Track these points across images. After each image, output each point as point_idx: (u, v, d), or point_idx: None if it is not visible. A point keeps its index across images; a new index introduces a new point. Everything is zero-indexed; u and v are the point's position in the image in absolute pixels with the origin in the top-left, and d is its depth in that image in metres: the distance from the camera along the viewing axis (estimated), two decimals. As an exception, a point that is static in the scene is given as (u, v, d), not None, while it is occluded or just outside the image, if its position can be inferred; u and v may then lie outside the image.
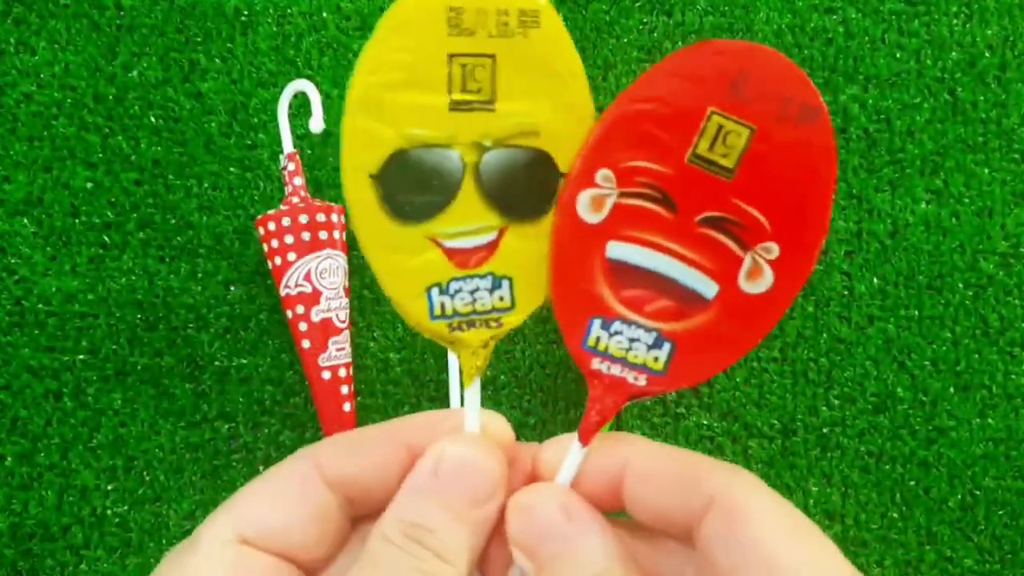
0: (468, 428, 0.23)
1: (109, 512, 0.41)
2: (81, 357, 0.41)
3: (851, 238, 0.43)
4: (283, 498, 0.22)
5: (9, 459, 0.41)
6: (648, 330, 0.21)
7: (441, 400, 0.42)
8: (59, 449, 0.41)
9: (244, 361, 0.42)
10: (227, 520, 0.21)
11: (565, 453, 0.22)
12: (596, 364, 0.22)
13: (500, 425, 0.24)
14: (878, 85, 0.44)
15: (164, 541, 0.41)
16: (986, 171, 0.44)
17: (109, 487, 0.41)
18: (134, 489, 0.41)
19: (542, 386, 0.43)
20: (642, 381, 0.22)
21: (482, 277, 0.22)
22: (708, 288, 0.21)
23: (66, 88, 0.42)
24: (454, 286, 0.22)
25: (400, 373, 0.42)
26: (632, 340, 0.21)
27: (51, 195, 0.42)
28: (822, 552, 0.20)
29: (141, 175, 0.42)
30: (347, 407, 0.40)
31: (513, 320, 0.22)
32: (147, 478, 0.41)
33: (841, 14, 0.44)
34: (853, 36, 0.44)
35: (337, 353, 0.39)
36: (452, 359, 0.41)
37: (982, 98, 0.44)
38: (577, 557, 0.21)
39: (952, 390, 0.43)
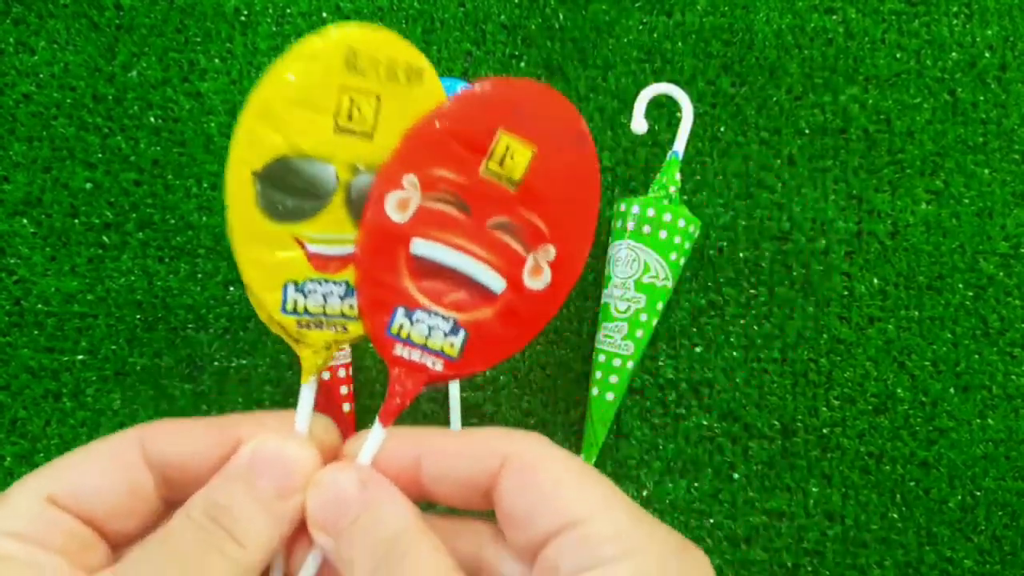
0: (297, 427, 0.24)
1: (108, 513, 0.41)
2: (80, 357, 0.41)
3: (851, 238, 0.43)
4: (97, 466, 0.23)
5: (8, 459, 0.41)
6: (446, 319, 0.24)
7: (440, 400, 0.42)
8: (58, 449, 0.41)
9: (243, 362, 0.42)
10: (40, 479, 0.22)
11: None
12: (398, 350, 0.24)
13: (326, 428, 0.25)
14: (878, 85, 0.44)
15: (163, 542, 0.41)
16: (986, 172, 0.44)
17: (108, 488, 0.41)
18: (133, 490, 0.41)
19: (542, 386, 0.43)
20: (439, 366, 0.24)
21: (337, 283, 0.24)
22: (497, 283, 0.24)
23: (65, 88, 0.42)
24: (309, 287, 0.24)
25: (400, 373, 0.42)
26: (431, 328, 0.24)
27: (50, 195, 0.42)
28: (607, 493, 0.22)
29: (140, 175, 0.42)
30: (347, 407, 0.39)
31: (357, 329, 0.24)
32: (146, 479, 0.41)
33: (841, 14, 0.44)
34: (853, 36, 0.44)
35: (337, 353, 0.39)
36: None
37: (982, 98, 0.44)
38: (373, 521, 0.22)
39: (952, 391, 0.43)
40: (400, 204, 0.24)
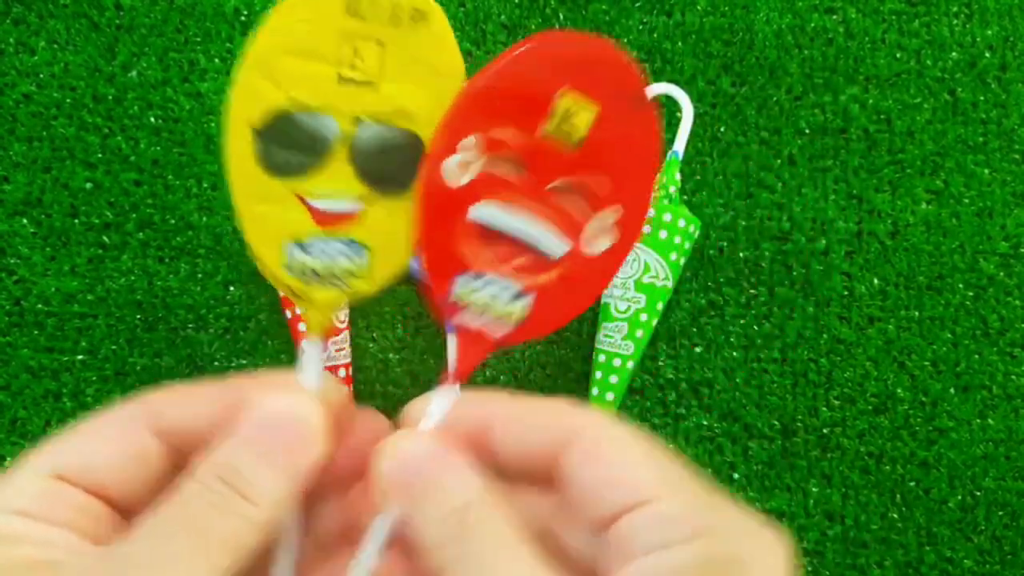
0: (304, 383, 0.24)
1: (108, 513, 0.41)
2: (80, 357, 0.41)
3: (851, 238, 0.43)
4: (102, 437, 0.22)
5: (8, 460, 0.41)
6: (507, 285, 0.24)
7: (441, 401, 0.42)
8: (58, 450, 0.41)
9: (243, 362, 0.42)
10: (44, 454, 0.22)
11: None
12: (461, 317, 0.24)
13: (334, 387, 0.24)
14: (878, 85, 0.44)
15: (163, 542, 0.41)
16: (986, 171, 0.44)
17: (108, 488, 0.41)
18: (133, 490, 0.41)
19: (542, 386, 0.43)
20: (502, 332, 0.24)
21: (342, 241, 0.23)
22: (559, 247, 0.24)
23: (65, 88, 0.42)
24: (314, 244, 0.23)
25: (400, 373, 0.42)
26: (493, 294, 0.24)
27: (50, 195, 0.42)
28: (679, 473, 0.22)
29: (140, 175, 0.42)
30: (347, 408, 0.39)
31: (364, 287, 0.24)
32: (146, 479, 0.41)
33: (841, 14, 0.44)
34: (853, 36, 0.44)
35: (337, 353, 0.39)
36: (451, 357, 0.41)
37: (982, 98, 0.44)
38: (445, 490, 0.22)
39: (952, 391, 0.43)
40: (458, 168, 0.23)
